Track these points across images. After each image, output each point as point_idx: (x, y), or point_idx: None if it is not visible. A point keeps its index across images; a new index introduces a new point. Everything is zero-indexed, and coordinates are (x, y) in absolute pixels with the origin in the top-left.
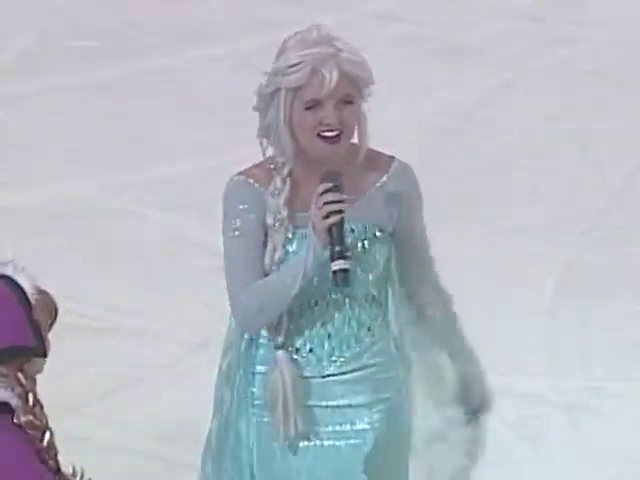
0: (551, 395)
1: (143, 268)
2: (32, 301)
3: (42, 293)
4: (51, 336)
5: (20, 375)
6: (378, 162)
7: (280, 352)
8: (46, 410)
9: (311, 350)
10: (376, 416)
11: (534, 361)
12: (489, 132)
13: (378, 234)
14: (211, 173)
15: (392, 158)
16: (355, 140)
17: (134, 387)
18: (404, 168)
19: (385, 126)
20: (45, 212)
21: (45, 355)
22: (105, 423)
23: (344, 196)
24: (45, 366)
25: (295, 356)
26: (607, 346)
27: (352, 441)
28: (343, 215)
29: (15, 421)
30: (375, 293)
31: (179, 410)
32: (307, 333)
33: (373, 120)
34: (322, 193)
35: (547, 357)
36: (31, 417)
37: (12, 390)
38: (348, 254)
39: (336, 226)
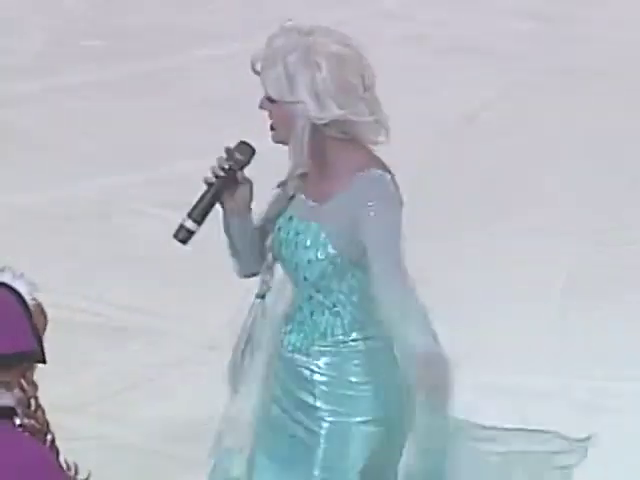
0: (557, 394)
1: (156, 268)
2: (31, 307)
3: (36, 300)
4: (64, 334)
5: (22, 381)
6: (351, 170)
7: (257, 300)
8: (58, 407)
9: (290, 331)
10: (325, 424)
11: (542, 361)
12: (494, 133)
13: (322, 239)
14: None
15: (364, 168)
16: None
17: (145, 386)
18: (368, 179)
19: (390, 126)
20: (60, 212)
21: (44, 361)
22: (116, 421)
23: (226, 166)
24: (59, 364)
25: (284, 328)
26: (616, 346)
27: (302, 435)
28: (213, 183)
29: (19, 423)
30: (322, 299)
31: (190, 409)
32: (293, 314)
33: None
34: (226, 152)
35: (555, 357)
36: (33, 421)
37: (14, 395)
38: (199, 220)
39: (209, 189)
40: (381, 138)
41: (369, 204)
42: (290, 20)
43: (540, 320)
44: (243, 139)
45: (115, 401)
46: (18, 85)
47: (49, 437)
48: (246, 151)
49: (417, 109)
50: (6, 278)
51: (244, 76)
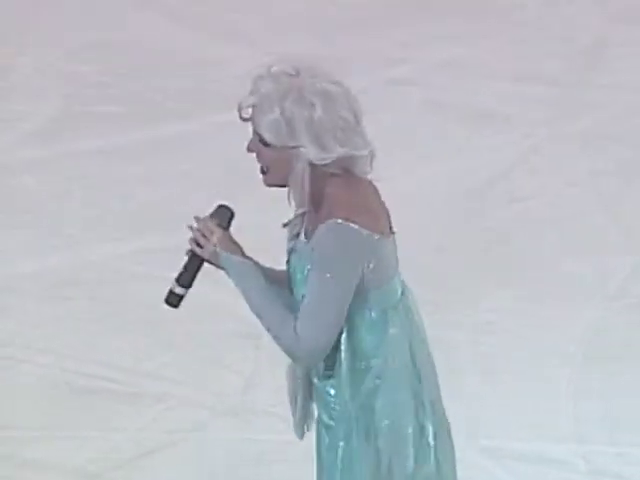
0: (576, 461)
1: (168, 333)
2: None
3: None
4: (81, 401)
5: None
6: (324, 218)
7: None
8: (75, 474)
9: None
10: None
11: (559, 427)
12: (512, 198)
13: (299, 276)
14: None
15: (330, 216)
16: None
17: (160, 452)
18: (326, 228)
19: (406, 192)
20: (68, 277)
21: None
22: None
23: (215, 231)
24: (76, 430)
25: None
26: (633, 412)
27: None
28: (193, 250)
29: None
30: None
31: (206, 476)
32: None
33: (394, 185)
34: (210, 217)
35: (573, 423)
36: None
37: None
38: (186, 285)
39: (195, 255)
40: (369, 168)
41: (319, 252)
42: (273, 66)
43: (558, 385)
44: (222, 202)
45: (131, 468)
46: (32, 151)
47: None
48: (223, 216)
49: (432, 176)
50: None
51: None
